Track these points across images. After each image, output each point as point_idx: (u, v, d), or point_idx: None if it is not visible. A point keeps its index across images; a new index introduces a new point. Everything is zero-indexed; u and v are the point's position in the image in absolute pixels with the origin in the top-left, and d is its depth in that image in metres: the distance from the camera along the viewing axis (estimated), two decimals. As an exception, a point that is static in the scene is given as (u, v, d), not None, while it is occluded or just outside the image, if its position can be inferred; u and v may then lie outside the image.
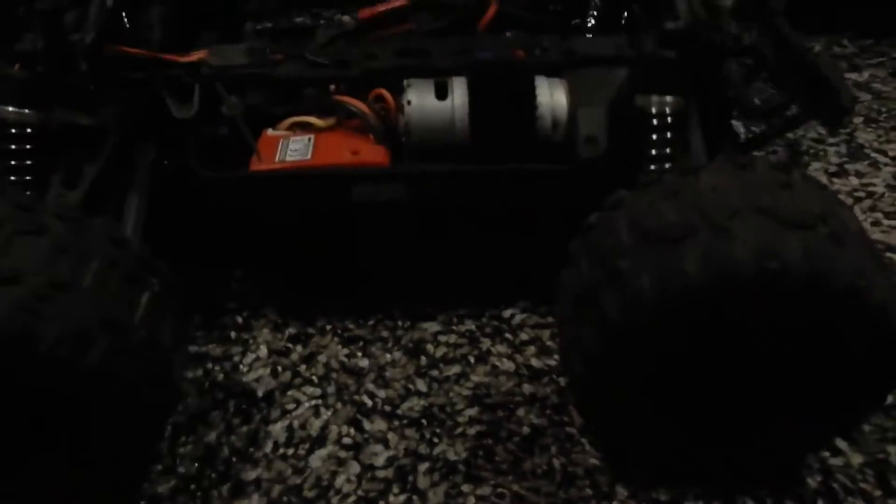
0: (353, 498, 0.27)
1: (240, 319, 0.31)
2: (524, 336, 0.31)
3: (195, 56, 0.29)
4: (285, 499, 0.26)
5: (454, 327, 0.31)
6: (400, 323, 0.31)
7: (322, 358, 0.30)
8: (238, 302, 0.31)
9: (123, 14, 0.32)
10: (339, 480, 0.27)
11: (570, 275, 0.26)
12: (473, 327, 0.31)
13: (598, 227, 0.24)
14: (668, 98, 0.29)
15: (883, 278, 0.24)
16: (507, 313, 0.31)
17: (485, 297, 0.31)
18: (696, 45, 0.29)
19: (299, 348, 0.31)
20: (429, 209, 0.30)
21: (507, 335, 0.31)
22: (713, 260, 0.23)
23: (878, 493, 0.27)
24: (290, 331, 0.31)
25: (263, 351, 0.30)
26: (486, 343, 0.30)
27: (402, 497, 0.27)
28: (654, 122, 0.30)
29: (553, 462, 0.27)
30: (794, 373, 0.25)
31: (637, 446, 0.27)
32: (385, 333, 0.31)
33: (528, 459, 0.27)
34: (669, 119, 0.30)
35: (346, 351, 0.30)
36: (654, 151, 0.29)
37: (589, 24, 0.34)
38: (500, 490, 0.27)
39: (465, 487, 0.27)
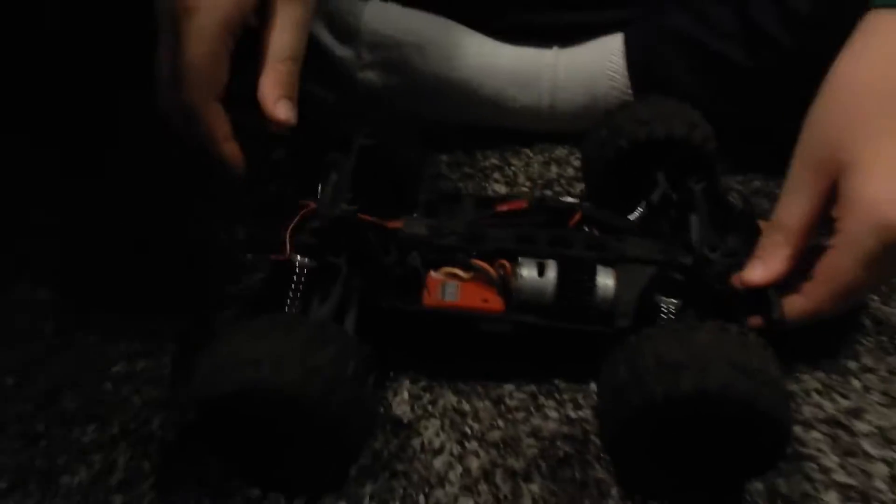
0: (457, 484, 0.45)
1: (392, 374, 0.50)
2: (566, 397, 0.49)
3: (395, 224, 0.44)
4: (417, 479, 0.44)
5: (523, 388, 0.49)
6: (491, 384, 0.49)
7: (441, 402, 0.49)
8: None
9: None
10: (451, 474, 0.45)
11: (609, 373, 0.39)
12: (535, 389, 0.49)
13: (632, 347, 0.39)
14: (674, 301, 0.43)
15: (783, 405, 0.37)
16: (557, 382, 0.49)
17: (543, 378, 0.49)
18: (695, 275, 0.43)
19: (427, 395, 0.50)
20: (522, 338, 0.45)
21: (556, 395, 0.49)
22: (695, 385, 0.36)
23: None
24: (423, 384, 0.50)
25: (406, 395, 0.49)
26: (541, 399, 0.49)
27: (484, 486, 0.44)
28: (661, 311, 0.44)
29: (575, 474, 0.44)
30: (730, 446, 0.38)
31: (636, 472, 0.42)
32: (480, 390, 0.49)
33: (560, 470, 0.45)
34: (672, 313, 0.44)
35: (455, 398, 0.49)
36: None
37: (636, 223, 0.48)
38: (544, 487, 0.44)
39: (523, 484, 0.45)
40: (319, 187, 0.47)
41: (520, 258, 0.44)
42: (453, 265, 0.45)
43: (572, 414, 0.46)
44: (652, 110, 0.51)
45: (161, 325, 0.52)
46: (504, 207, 0.48)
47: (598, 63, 0.61)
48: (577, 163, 0.62)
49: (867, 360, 0.47)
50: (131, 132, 0.58)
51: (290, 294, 0.43)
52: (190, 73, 0.40)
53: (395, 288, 0.44)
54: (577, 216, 0.48)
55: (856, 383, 0.46)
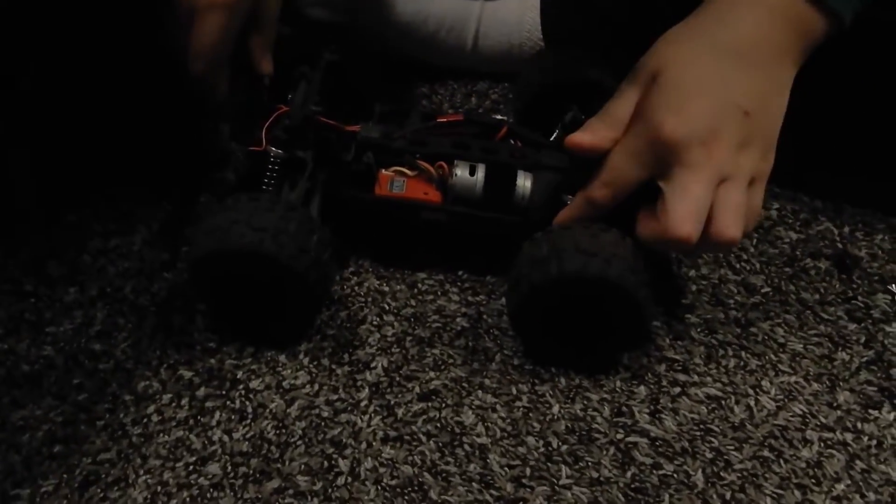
0: (375, 346, 0.56)
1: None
2: (467, 285, 0.60)
3: (354, 128, 0.53)
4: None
5: (434, 277, 0.61)
6: (407, 272, 0.60)
7: (366, 284, 0.60)
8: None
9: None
10: (370, 338, 0.57)
11: (514, 265, 0.49)
12: (443, 278, 0.61)
13: (537, 245, 0.49)
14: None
15: (634, 278, 0.47)
16: (461, 273, 0.60)
17: (450, 270, 0.61)
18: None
19: (355, 278, 0.60)
20: (457, 229, 0.54)
21: (459, 283, 0.60)
22: (556, 269, 0.46)
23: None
24: (351, 269, 0.60)
25: (336, 278, 0.60)
26: (447, 286, 0.60)
27: (396, 349, 0.56)
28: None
29: (468, 343, 0.56)
30: (599, 317, 0.50)
31: (535, 342, 0.53)
32: (398, 275, 0.60)
33: (457, 340, 0.56)
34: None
35: (378, 282, 0.60)
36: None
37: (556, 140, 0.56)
38: (443, 351, 0.56)
39: (427, 349, 0.56)
40: (290, 95, 0.57)
41: (455, 161, 0.52)
42: (401, 165, 0.53)
43: (470, 298, 0.57)
44: (568, 56, 0.62)
45: (133, 209, 0.61)
46: (444, 119, 0.58)
47: (516, 16, 0.71)
48: (494, 96, 0.73)
49: (704, 271, 0.60)
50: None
51: (266, 180, 0.53)
52: (210, 57, 0.50)
53: (351, 181, 0.53)
54: (504, 130, 0.55)
55: (692, 287, 0.59)
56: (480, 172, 0.53)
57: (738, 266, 0.61)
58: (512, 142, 0.56)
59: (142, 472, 0.48)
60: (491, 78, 0.74)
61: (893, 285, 0.59)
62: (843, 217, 0.65)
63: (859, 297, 0.59)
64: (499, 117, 0.64)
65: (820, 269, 0.61)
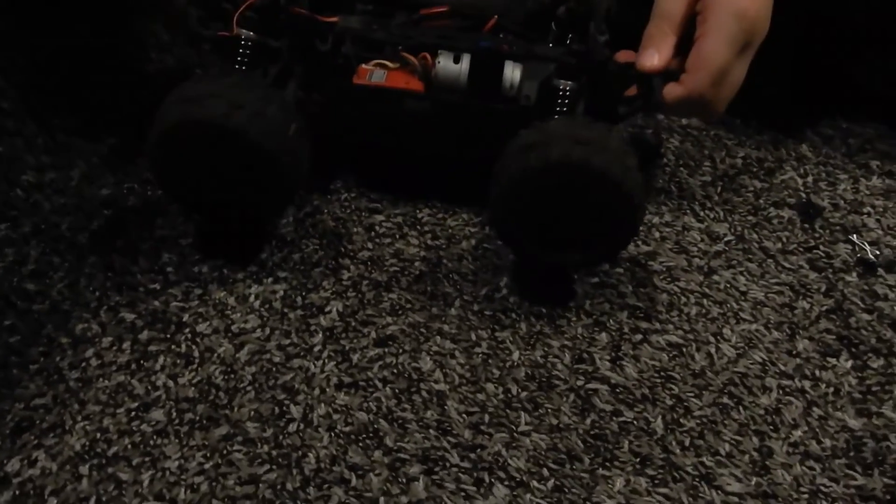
0: (329, 290, 0.54)
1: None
2: (427, 228, 0.58)
3: (332, 18, 0.50)
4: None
5: (392, 220, 0.58)
6: (364, 214, 0.58)
7: (321, 226, 0.57)
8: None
9: None
10: (325, 282, 0.55)
11: (504, 153, 0.47)
12: (401, 220, 0.58)
13: (522, 136, 0.47)
14: (570, 83, 0.50)
15: (621, 167, 0.45)
16: (422, 213, 0.58)
17: (409, 212, 0.58)
18: (591, 63, 0.50)
19: (309, 220, 0.58)
20: (442, 120, 0.52)
21: (418, 227, 0.58)
22: (543, 158, 0.45)
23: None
24: (307, 210, 0.58)
25: (290, 219, 0.57)
26: (406, 229, 0.58)
27: (352, 293, 0.54)
28: (559, 93, 0.50)
29: (427, 288, 0.54)
30: (588, 218, 0.48)
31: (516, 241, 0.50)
32: (355, 218, 0.58)
33: (415, 284, 0.54)
34: (569, 93, 0.50)
35: (334, 224, 0.57)
36: (556, 108, 0.50)
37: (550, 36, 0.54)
38: (401, 296, 0.54)
39: (384, 293, 0.54)
40: None
41: (439, 50, 0.50)
42: (382, 58, 0.51)
43: (430, 242, 0.55)
44: None
45: (69, 141, 0.57)
46: (428, 12, 0.55)
47: None
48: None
49: (668, 218, 0.59)
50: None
51: (237, 66, 0.48)
52: None
53: (329, 74, 0.50)
54: (493, 22, 0.52)
55: (655, 234, 0.58)
56: (465, 62, 0.51)
57: (702, 214, 0.60)
58: (501, 36, 0.54)
59: (79, 418, 0.45)
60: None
61: (854, 235, 0.59)
62: (806, 166, 0.64)
63: (821, 247, 0.58)
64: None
65: (783, 219, 0.60)
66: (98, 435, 0.44)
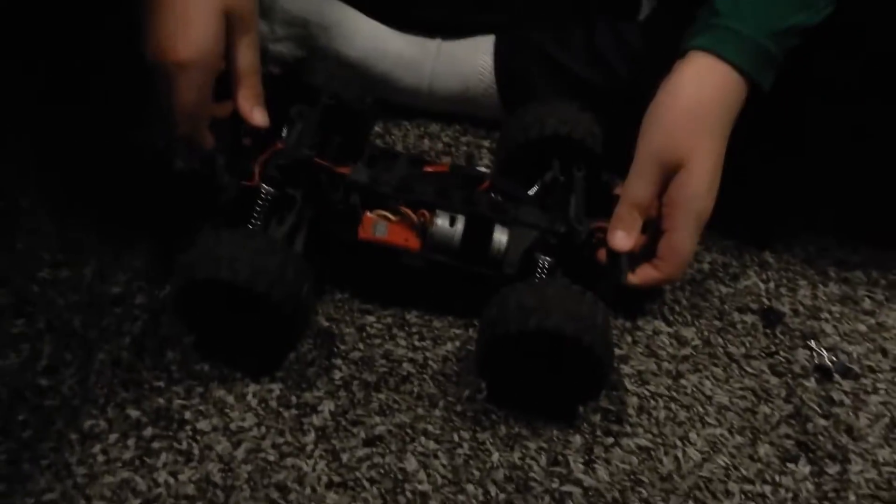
0: (322, 389, 0.57)
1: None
2: (414, 330, 0.62)
3: (344, 169, 0.55)
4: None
5: (382, 321, 0.62)
6: (357, 315, 0.62)
7: (315, 326, 0.61)
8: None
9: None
10: (318, 381, 0.58)
11: (487, 312, 0.52)
12: (391, 322, 0.62)
13: (505, 295, 0.51)
14: (549, 259, 0.55)
15: (600, 339, 0.50)
16: (410, 315, 0.62)
17: (398, 314, 0.62)
18: (569, 242, 0.56)
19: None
20: (434, 276, 0.57)
21: (406, 328, 0.62)
22: (540, 323, 0.49)
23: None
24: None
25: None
26: (395, 330, 0.62)
27: (343, 392, 0.57)
28: (539, 264, 0.56)
29: (413, 389, 0.58)
30: (562, 373, 0.53)
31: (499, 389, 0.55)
32: (347, 318, 0.61)
33: (402, 385, 0.58)
34: (547, 266, 0.56)
35: (327, 324, 0.61)
36: (536, 275, 0.55)
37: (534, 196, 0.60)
38: (389, 396, 0.58)
39: (374, 393, 0.58)
40: (285, 131, 0.57)
41: (437, 210, 0.55)
42: (385, 209, 0.55)
43: (417, 343, 0.59)
44: (551, 111, 0.64)
45: (82, 238, 0.61)
46: (430, 169, 0.61)
47: (470, 58, 0.74)
48: (445, 139, 0.75)
49: (640, 322, 0.63)
50: (114, 60, 0.65)
51: (255, 214, 0.53)
52: (185, 114, 0.52)
53: (337, 221, 0.55)
54: (487, 183, 0.58)
55: (627, 338, 0.62)
56: (460, 224, 0.56)
57: (671, 318, 0.64)
58: (493, 195, 0.59)
59: (86, 513, 0.48)
60: (443, 120, 0.76)
61: (812, 341, 0.64)
62: (768, 272, 0.69)
63: (781, 352, 0.63)
64: (482, 169, 0.67)
65: (746, 323, 0.64)
66: (102, 530, 0.47)
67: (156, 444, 0.52)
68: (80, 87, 0.70)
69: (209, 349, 0.56)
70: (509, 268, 0.56)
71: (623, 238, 0.55)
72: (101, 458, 0.51)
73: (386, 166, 0.60)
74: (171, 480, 0.50)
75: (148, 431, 0.52)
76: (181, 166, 0.54)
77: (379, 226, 0.56)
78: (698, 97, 0.55)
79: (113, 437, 0.52)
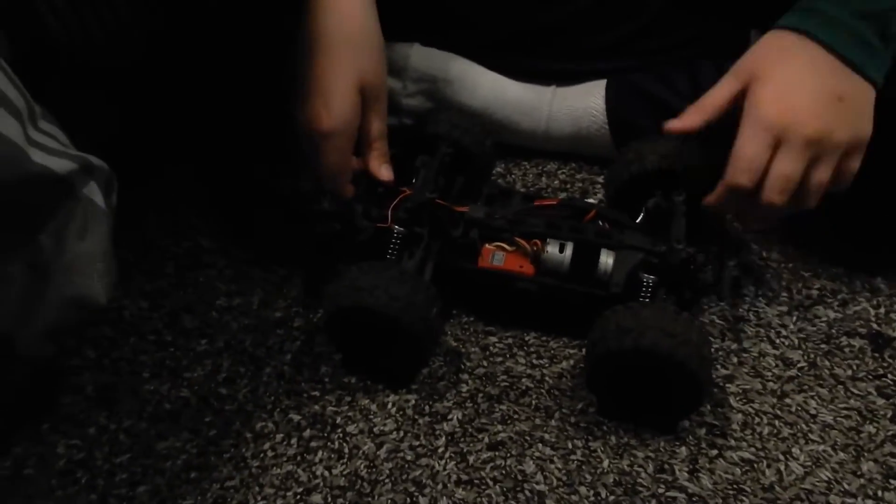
0: (451, 401, 0.65)
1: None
2: (532, 349, 0.69)
3: (463, 208, 0.62)
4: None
5: (504, 341, 0.70)
6: (481, 336, 0.70)
7: (444, 346, 0.70)
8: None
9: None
10: (448, 394, 0.66)
11: (593, 333, 0.56)
12: (511, 342, 0.70)
13: (607, 317, 0.56)
14: (653, 277, 0.59)
15: (695, 355, 0.53)
16: (529, 336, 0.69)
17: (518, 336, 0.70)
18: (672, 262, 0.58)
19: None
20: (549, 298, 0.63)
21: (525, 348, 0.69)
22: (636, 343, 0.53)
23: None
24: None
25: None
26: (515, 349, 0.69)
27: (469, 403, 0.65)
28: (643, 284, 0.59)
29: (531, 401, 0.65)
30: (662, 389, 0.57)
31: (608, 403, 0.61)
32: (472, 339, 0.69)
33: (522, 398, 0.65)
34: (651, 286, 0.59)
35: (455, 344, 0.70)
36: (640, 295, 0.59)
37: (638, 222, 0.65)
38: (510, 407, 0.65)
39: (496, 405, 0.65)
40: (414, 180, 0.66)
41: (548, 239, 0.61)
42: (502, 240, 0.62)
43: (535, 361, 0.66)
44: (652, 148, 0.69)
45: (250, 271, 0.73)
46: (541, 203, 0.68)
47: (583, 102, 0.81)
48: (562, 176, 0.82)
49: (746, 345, 0.67)
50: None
51: (390, 251, 0.61)
52: (330, 171, 0.62)
53: (459, 254, 0.62)
54: (593, 213, 0.63)
55: (734, 359, 0.66)
56: (569, 250, 0.60)
57: (777, 341, 0.68)
58: (600, 223, 0.65)
59: (259, 498, 0.58)
60: (559, 158, 0.84)
61: (922, 365, 0.65)
62: (878, 298, 0.71)
63: (889, 375, 0.65)
64: (590, 201, 0.74)
65: (854, 347, 0.67)
66: (272, 512, 0.57)
67: (313, 444, 0.61)
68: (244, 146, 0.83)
69: (356, 365, 0.65)
70: (615, 287, 0.59)
71: (674, 122, 0.58)
72: (270, 453, 0.61)
73: (502, 203, 0.68)
74: (327, 473, 0.59)
75: (307, 433, 0.62)
76: (327, 207, 0.64)
77: (496, 255, 0.63)
78: (782, 48, 0.56)
79: (279, 436, 0.62)
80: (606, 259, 0.60)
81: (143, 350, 0.67)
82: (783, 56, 0.55)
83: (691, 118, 0.58)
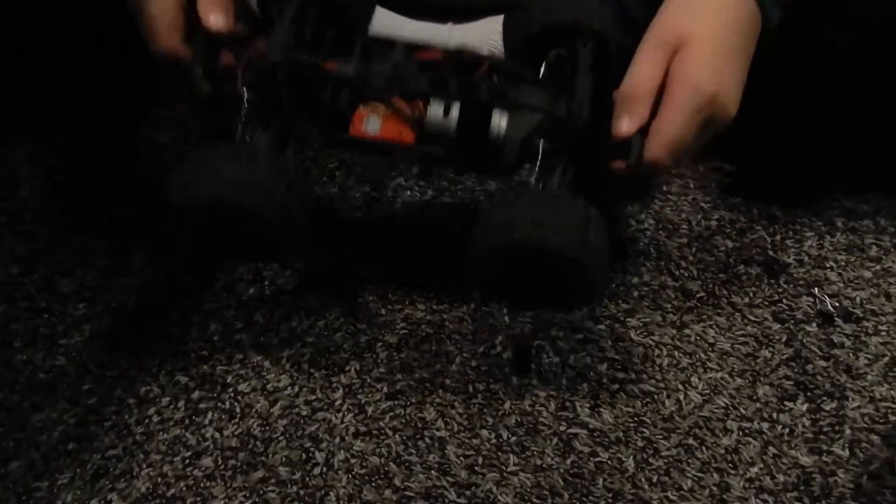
0: (349, 351, 0.63)
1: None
2: (432, 294, 0.67)
3: (331, 65, 0.51)
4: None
5: (402, 288, 0.68)
6: (378, 284, 0.67)
7: (342, 296, 0.67)
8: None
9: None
10: (345, 344, 0.64)
11: (477, 226, 0.51)
12: (410, 288, 0.68)
13: (492, 213, 0.51)
14: (549, 145, 0.52)
15: (580, 245, 0.48)
16: (430, 282, 0.67)
17: (416, 281, 0.68)
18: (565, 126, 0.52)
19: (331, 290, 0.67)
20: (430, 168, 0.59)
21: (424, 293, 0.67)
22: (506, 238, 0.49)
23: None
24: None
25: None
26: (414, 295, 0.67)
27: (368, 354, 0.63)
28: (539, 153, 0.53)
29: (431, 347, 0.63)
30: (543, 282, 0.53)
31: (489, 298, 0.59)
32: (370, 287, 0.67)
33: (421, 344, 0.63)
34: (544, 151, 0.53)
35: (351, 293, 0.67)
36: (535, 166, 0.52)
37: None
38: (409, 355, 0.63)
39: (395, 353, 0.64)
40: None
41: (431, 99, 0.51)
42: (377, 101, 0.52)
43: (434, 307, 0.64)
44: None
45: (131, 229, 0.68)
46: (425, 56, 0.55)
47: (482, 39, 0.78)
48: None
49: (646, 278, 0.67)
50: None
51: (240, 122, 0.51)
52: (160, 31, 0.51)
53: (326, 119, 0.52)
54: (486, 67, 0.54)
55: (634, 293, 0.66)
56: (455, 111, 0.51)
57: (676, 273, 0.67)
58: (494, 79, 0.54)
59: (144, 465, 0.55)
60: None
61: (816, 289, 0.66)
62: (775, 225, 0.71)
63: (784, 300, 0.65)
64: (482, 53, 0.62)
65: (751, 275, 0.67)
66: (159, 480, 0.54)
67: (202, 405, 0.58)
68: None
69: (247, 318, 0.62)
70: (510, 156, 0.52)
71: (626, 124, 0.50)
72: (155, 418, 0.57)
73: (379, 57, 0.55)
74: (217, 435, 0.57)
75: (195, 394, 0.59)
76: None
77: (371, 121, 0.52)
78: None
79: (165, 400, 0.58)
80: (499, 121, 0.51)
81: (14, 318, 0.63)
82: (706, 10, 0.51)
83: (634, 120, 0.51)
